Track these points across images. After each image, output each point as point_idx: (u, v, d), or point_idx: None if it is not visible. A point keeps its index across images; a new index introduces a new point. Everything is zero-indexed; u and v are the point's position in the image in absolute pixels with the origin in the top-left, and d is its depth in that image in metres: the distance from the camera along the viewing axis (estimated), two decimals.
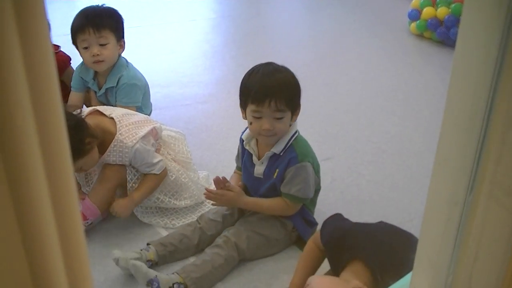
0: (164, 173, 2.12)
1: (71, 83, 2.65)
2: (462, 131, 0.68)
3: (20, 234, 0.41)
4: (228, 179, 1.98)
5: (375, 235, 1.68)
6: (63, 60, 2.76)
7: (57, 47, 2.81)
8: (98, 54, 2.44)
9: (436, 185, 0.72)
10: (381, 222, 1.80)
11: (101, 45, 2.45)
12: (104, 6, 2.52)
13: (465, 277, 0.72)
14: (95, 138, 1.98)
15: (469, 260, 0.71)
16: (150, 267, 1.92)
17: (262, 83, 1.83)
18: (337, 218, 1.83)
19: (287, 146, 1.91)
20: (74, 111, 2.02)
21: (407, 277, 0.85)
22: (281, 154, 1.92)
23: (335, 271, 1.69)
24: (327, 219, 1.86)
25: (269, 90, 1.80)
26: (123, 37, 2.54)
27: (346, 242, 1.64)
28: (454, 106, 0.69)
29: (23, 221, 0.41)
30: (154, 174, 2.09)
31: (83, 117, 2.02)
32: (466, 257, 0.71)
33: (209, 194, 1.97)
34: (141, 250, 1.92)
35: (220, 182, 1.93)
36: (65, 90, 2.77)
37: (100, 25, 2.43)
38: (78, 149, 1.90)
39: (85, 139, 1.93)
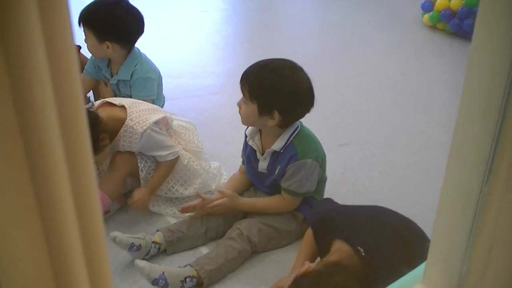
0: (176, 159, 2.13)
1: (85, 66, 2.68)
2: (478, 120, 0.68)
3: (39, 212, 0.41)
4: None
5: (354, 213, 1.76)
6: None
7: None
8: None
9: (451, 175, 0.72)
10: (372, 206, 1.85)
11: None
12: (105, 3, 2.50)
13: (480, 268, 0.71)
14: (107, 134, 1.98)
15: (484, 251, 0.70)
16: (158, 251, 1.94)
17: (249, 67, 1.92)
18: (324, 202, 1.92)
19: (287, 143, 1.92)
20: (85, 104, 2.02)
21: (420, 268, 0.85)
22: (282, 151, 1.93)
23: (320, 253, 1.71)
24: (316, 204, 1.91)
25: (244, 73, 1.91)
26: (112, 40, 2.47)
27: (326, 224, 1.71)
28: (471, 95, 0.68)
29: (40, 198, 0.41)
30: (168, 160, 2.10)
31: (95, 110, 2.02)
32: (481, 248, 0.70)
33: (206, 210, 2.00)
34: (146, 234, 1.93)
35: (207, 201, 2.00)
36: None
37: (85, 21, 2.46)
38: (94, 147, 1.90)
39: (100, 136, 1.93)
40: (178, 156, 2.13)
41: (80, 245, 0.45)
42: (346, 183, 2.40)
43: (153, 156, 2.10)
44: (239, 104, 1.93)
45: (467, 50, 2.80)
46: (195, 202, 2.04)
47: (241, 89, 1.90)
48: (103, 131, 1.95)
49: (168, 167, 2.12)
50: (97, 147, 1.92)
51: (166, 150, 2.08)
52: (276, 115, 1.85)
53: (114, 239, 1.84)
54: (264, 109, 1.85)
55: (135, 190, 2.10)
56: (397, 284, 0.92)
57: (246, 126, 2.05)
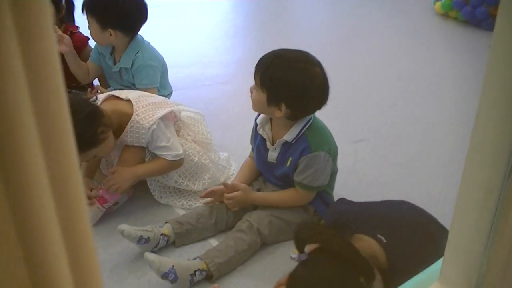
0: (178, 163, 2.07)
1: (90, 53, 2.69)
2: (500, 113, 0.64)
3: (16, 234, 0.38)
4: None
5: (369, 209, 1.75)
6: (81, 40, 2.76)
7: (76, 27, 2.80)
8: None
9: (470, 170, 0.68)
10: (386, 200, 1.86)
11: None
12: None
13: (500, 267, 0.68)
14: (109, 127, 1.94)
15: (505, 250, 0.67)
16: (167, 243, 1.92)
17: (265, 54, 1.86)
18: (338, 203, 1.89)
19: (300, 134, 1.88)
20: (90, 98, 1.99)
21: (437, 265, 0.81)
22: (293, 142, 1.89)
23: None
24: (330, 206, 1.92)
25: (259, 61, 1.85)
26: (114, 27, 2.45)
27: (342, 223, 1.69)
28: (492, 87, 0.64)
29: (19, 215, 0.37)
30: (167, 159, 2.05)
31: (98, 103, 1.99)
32: (502, 247, 0.67)
33: (222, 198, 1.98)
34: (154, 226, 1.91)
35: (228, 188, 1.97)
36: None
37: (88, 8, 2.46)
38: (91, 140, 1.87)
39: (98, 129, 1.88)
40: (181, 161, 2.09)
41: (64, 252, 0.41)
42: (357, 173, 2.36)
43: (154, 151, 2.07)
44: (251, 90, 1.90)
45: (480, 38, 2.78)
46: (218, 187, 2.01)
47: (254, 75, 1.86)
48: (104, 124, 1.91)
49: (165, 166, 2.06)
50: (96, 140, 1.89)
51: (165, 150, 2.03)
52: (283, 107, 1.80)
53: (122, 232, 1.81)
54: (272, 100, 1.81)
55: (117, 171, 2.03)
56: (412, 282, 0.89)
57: (257, 114, 2.02)
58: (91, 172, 2.18)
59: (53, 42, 0.38)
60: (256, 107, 1.91)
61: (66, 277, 0.41)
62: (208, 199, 2.01)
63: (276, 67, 1.80)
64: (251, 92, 1.89)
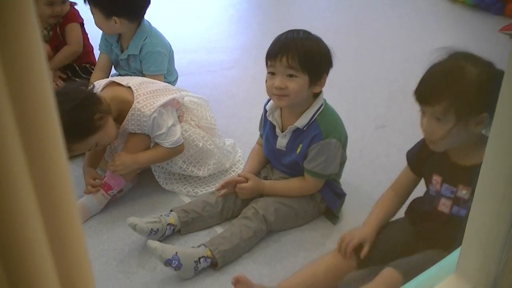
0: (178, 149, 2.05)
1: (99, 44, 2.64)
2: None
3: None
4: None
5: None
6: (71, 14, 2.72)
7: (73, 4, 2.78)
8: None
9: (490, 159, 0.65)
10: None
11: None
12: None
13: None
14: (106, 113, 1.91)
15: None
16: (172, 232, 1.90)
17: (279, 39, 1.82)
18: None
19: (311, 121, 1.85)
20: (88, 87, 1.96)
21: (453, 256, 0.79)
22: (305, 129, 1.86)
23: None
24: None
25: (283, 46, 1.78)
26: (118, 15, 2.41)
27: None
28: None
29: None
30: (165, 146, 2.02)
31: (98, 91, 1.96)
32: None
33: (236, 190, 1.96)
34: (161, 215, 1.88)
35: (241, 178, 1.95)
36: (62, 45, 2.75)
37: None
38: (87, 127, 1.84)
39: (94, 116, 1.86)
40: (181, 148, 2.06)
41: (49, 255, 0.38)
42: (364, 160, 2.34)
43: (154, 139, 2.04)
44: (282, 86, 1.78)
45: (489, 23, 2.73)
46: (232, 177, 1.99)
47: (286, 64, 1.75)
48: (100, 111, 1.88)
49: (165, 153, 2.04)
50: (92, 127, 1.86)
51: (163, 138, 2.00)
52: (325, 77, 1.82)
53: (134, 227, 1.79)
54: (315, 76, 1.80)
55: (118, 155, 2.01)
56: (428, 274, 0.86)
57: (266, 101, 1.97)
58: (95, 162, 2.15)
59: (37, 38, 0.35)
60: (299, 96, 1.81)
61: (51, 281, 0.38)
62: (224, 191, 1.98)
63: (304, 45, 1.78)
64: (283, 88, 1.78)
